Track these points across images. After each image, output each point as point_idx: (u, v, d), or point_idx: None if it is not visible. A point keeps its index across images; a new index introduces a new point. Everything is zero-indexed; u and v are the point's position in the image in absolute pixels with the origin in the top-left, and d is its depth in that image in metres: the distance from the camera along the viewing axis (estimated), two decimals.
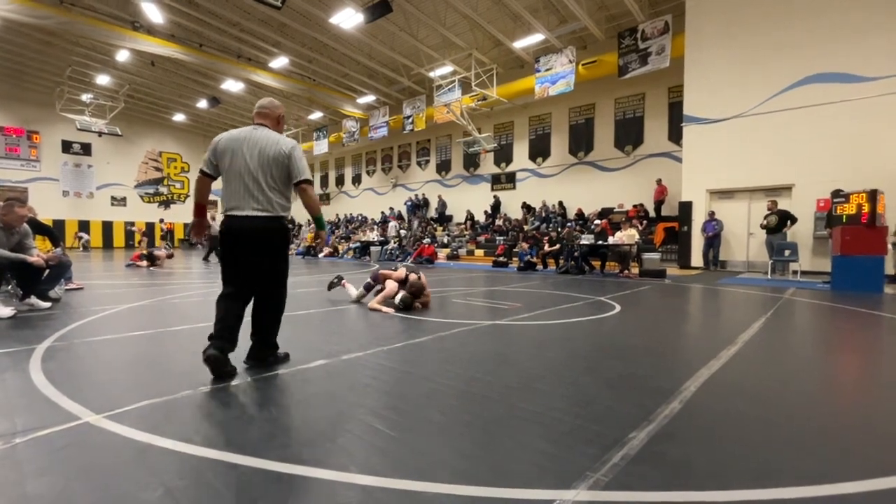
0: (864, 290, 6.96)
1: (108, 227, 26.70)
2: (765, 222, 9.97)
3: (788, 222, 9.85)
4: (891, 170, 9.17)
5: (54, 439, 1.78)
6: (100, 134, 22.47)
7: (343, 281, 5.99)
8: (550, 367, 2.88)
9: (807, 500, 1.41)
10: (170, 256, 12.06)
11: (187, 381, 2.48)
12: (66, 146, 25.21)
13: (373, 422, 1.99)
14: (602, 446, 1.75)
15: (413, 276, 5.22)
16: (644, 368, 2.89)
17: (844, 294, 6.79)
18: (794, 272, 9.49)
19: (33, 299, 4.94)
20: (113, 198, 27.21)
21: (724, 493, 1.43)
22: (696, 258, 11.82)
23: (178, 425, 1.92)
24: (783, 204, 10.30)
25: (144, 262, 11.04)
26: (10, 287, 5.16)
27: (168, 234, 28.44)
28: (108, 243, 26.50)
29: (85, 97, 21.43)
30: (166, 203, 29.41)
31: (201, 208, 2.73)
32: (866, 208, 7.02)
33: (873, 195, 7.00)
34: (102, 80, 20.57)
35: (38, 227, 6.49)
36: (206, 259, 14.24)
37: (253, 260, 2.61)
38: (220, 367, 2.52)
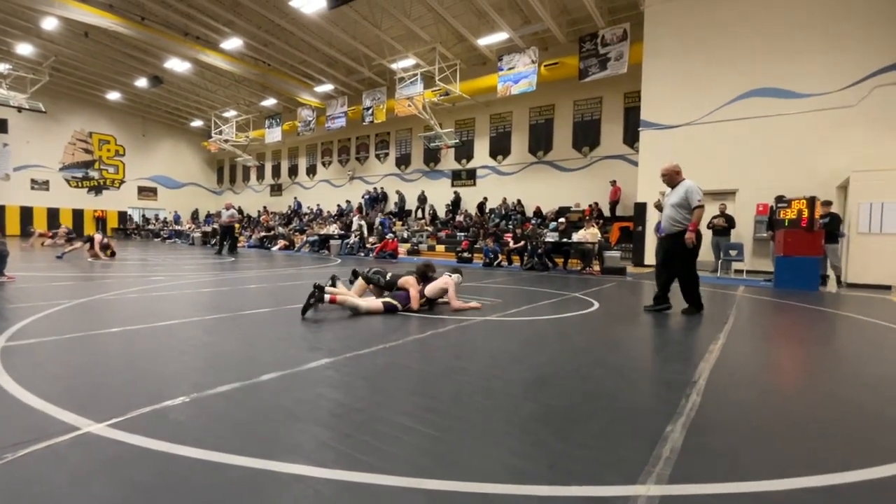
0: (803, 287, 7.63)
1: (27, 212, 24.15)
2: (714, 223, 10.69)
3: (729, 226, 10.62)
4: (819, 179, 10.10)
5: (58, 452, 1.56)
6: (19, 109, 20.25)
7: (332, 294, 4.31)
8: (559, 363, 2.91)
9: (853, 484, 1.50)
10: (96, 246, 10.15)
11: (186, 384, 2.27)
12: None
13: (408, 422, 1.91)
14: (645, 440, 1.78)
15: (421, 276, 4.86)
16: (647, 362, 2.99)
17: (788, 291, 7.41)
18: (738, 271, 10.26)
19: None
20: (33, 181, 24.65)
21: (787, 481, 1.49)
22: (650, 257, 12.46)
23: (196, 431, 1.74)
24: (727, 208, 11.07)
25: (103, 253, 9.99)
26: None
27: (99, 223, 26.16)
28: (28, 231, 24.00)
29: (1, 67, 19.20)
30: (98, 188, 26.98)
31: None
32: (805, 213, 7.68)
33: (812, 202, 7.67)
34: (24, 49, 18.50)
35: None
36: (219, 252, 13.51)
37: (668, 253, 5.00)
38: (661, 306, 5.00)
